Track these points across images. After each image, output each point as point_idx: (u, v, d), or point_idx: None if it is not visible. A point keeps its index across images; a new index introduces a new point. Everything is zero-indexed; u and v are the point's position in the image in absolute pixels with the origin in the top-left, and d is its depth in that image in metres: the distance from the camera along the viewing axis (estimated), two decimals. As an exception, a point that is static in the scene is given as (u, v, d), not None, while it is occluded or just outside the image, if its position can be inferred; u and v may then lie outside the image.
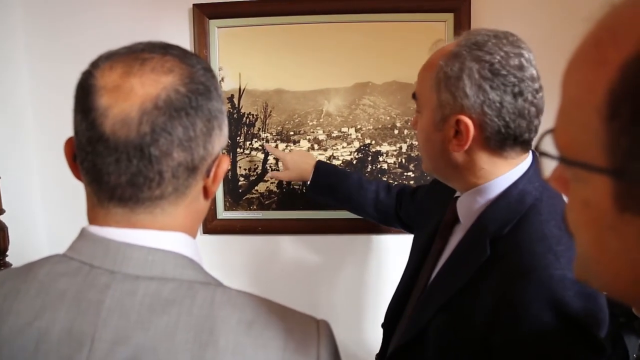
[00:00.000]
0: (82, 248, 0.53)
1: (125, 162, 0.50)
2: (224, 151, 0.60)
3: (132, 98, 0.49)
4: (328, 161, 1.42)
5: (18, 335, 0.49)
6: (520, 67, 0.73)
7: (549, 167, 0.42)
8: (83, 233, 0.55)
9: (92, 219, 0.55)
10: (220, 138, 0.57)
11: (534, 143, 0.73)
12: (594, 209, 0.37)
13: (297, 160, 1.29)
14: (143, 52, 0.52)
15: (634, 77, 0.32)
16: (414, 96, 0.86)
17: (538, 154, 0.41)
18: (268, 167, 1.46)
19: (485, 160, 0.78)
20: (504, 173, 0.78)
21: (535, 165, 0.80)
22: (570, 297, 0.64)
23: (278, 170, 1.45)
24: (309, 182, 1.26)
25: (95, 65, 0.52)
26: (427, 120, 0.81)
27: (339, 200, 1.27)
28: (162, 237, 0.54)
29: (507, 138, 0.75)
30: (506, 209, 0.76)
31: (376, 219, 1.28)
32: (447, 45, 0.79)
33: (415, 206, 1.18)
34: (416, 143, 1.41)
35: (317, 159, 1.30)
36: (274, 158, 1.45)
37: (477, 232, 0.78)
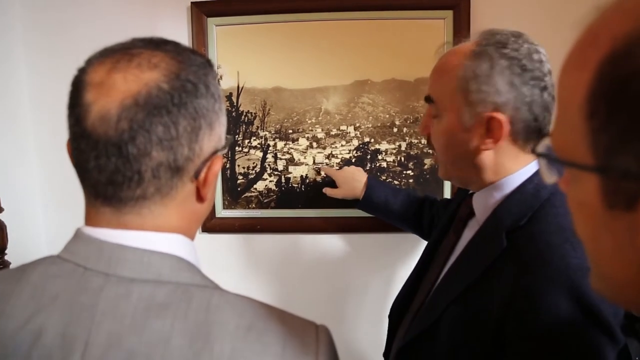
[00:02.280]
0: (76, 249, 0.53)
1: (104, 159, 0.49)
2: (220, 153, 0.58)
3: (113, 94, 0.48)
4: (378, 178, 1.43)
5: (10, 339, 0.48)
6: (541, 62, 0.77)
7: (547, 169, 0.43)
8: (77, 234, 0.54)
9: (86, 218, 0.55)
10: (211, 138, 0.55)
11: (532, 146, 0.74)
12: (587, 208, 0.38)
13: (348, 177, 1.35)
14: (134, 48, 0.52)
15: (608, 75, 0.33)
16: (428, 99, 0.85)
17: (537, 156, 0.43)
18: (267, 166, 1.45)
19: (509, 155, 0.79)
20: (521, 168, 0.80)
21: None
22: (587, 285, 0.65)
23: (277, 169, 1.45)
24: (360, 199, 1.32)
25: (88, 61, 0.52)
26: (451, 122, 0.81)
27: (388, 216, 1.33)
28: (158, 239, 0.53)
29: (533, 131, 0.77)
30: (521, 203, 0.78)
31: (421, 236, 1.33)
32: (463, 46, 0.80)
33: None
34: (415, 141, 1.41)
35: (368, 176, 1.35)
36: (272, 156, 1.44)
37: (493, 225, 0.79)
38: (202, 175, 0.55)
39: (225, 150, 0.59)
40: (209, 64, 0.56)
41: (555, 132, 0.40)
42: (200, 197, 0.56)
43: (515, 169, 0.80)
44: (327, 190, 1.39)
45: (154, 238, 0.53)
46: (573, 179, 0.39)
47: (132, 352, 0.47)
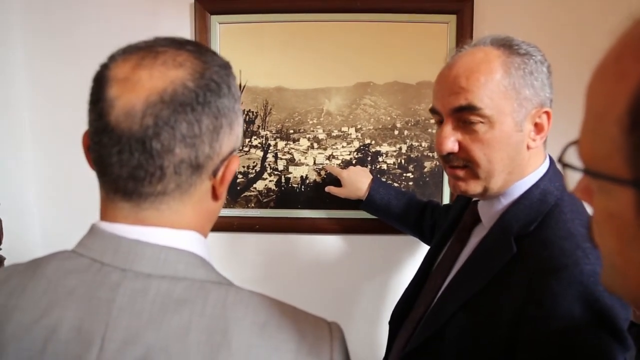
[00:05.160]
0: (92, 244, 0.52)
1: (127, 154, 0.49)
2: (236, 153, 0.59)
3: (138, 90, 0.49)
4: (382, 179, 1.42)
5: (25, 334, 0.48)
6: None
7: (572, 178, 0.42)
8: (93, 229, 0.54)
9: (102, 213, 0.55)
10: (230, 137, 0.56)
11: (558, 155, 0.77)
12: (618, 220, 0.37)
13: (354, 177, 1.34)
14: (158, 46, 0.52)
15: None
16: (469, 109, 0.77)
17: (562, 166, 0.42)
18: (267, 165, 1.45)
19: (536, 153, 0.82)
20: (532, 172, 0.81)
21: (553, 167, 0.83)
22: (601, 291, 0.66)
23: (277, 169, 1.44)
24: (363, 200, 1.32)
25: (111, 57, 0.52)
26: (507, 125, 0.77)
27: (390, 219, 1.33)
28: (174, 235, 0.53)
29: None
30: (529, 208, 0.78)
31: (422, 240, 1.34)
32: (486, 49, 0.79)
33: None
34: (416, 144, 1.41)
35: (373, 177, 1.34)
36: (272, 156, 1.44)
37: (500, 232, 0.80)
38: (220, 173, 0.55)
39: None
40: (229, 65, 0.57)
41: (584, 141, 0.39)
42: (215, 196, 0.57)
43: (529, 171, 0.81)
44: (331, 189, 1.39)
45: (171, 234, 0.53)
46: (601, 190, 0.38)
47: (150, 348, 0.47)
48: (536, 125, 0.79)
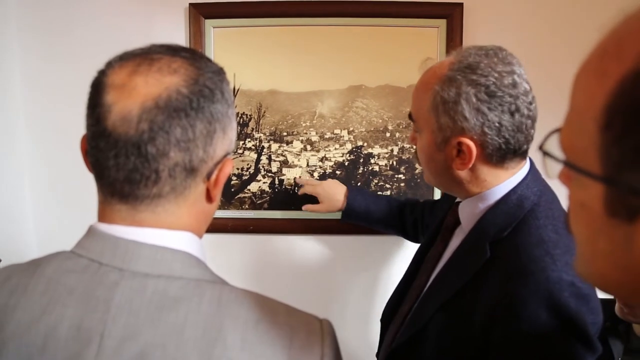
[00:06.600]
0: (91, 245, 0.54)
1: (123, 158, 0.51)
2: (230, 156, 0.60)
3: (134, 96, 0.50)
4: (358, 186, 1.45)
5: (25, 332, 0.49)
6: (514, 85, 0.75)
7: (551, 166, 0.43)
8: (91, 230, 0.55)
9: (100, 215, 0.56)
10: (224, 142, 0.57)
11: (539, 142, 0.77)
12: (588, 210, 0.39)
13: (329, 191, 1.36)
14: (154, 53, 0.54)
15: (629, 92, 0.33)
16: (410, 117, 0.88)
17: (542, 154, 0.43)
18: (261, 167, 1.47)
19: (487, 173, 0.81)
20: (504, 181, 0.81)
21: (533, 172, 0.84)
22: (566, 297, 0.68)
23: (271, 171, 1.46)
24: (343, 210, 1.34)
25: (108, 64, 0.54)
26: (428, 141, 0.83)
27: (372, 223, 1.36)
28: (170, 236, 0.55)
29: (507, 152, 0.78)
30: (505, 214, 0.80)
31: (407, 238, 1.37)
32: (439, 66, 0.81)
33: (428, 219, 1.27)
34: (407, 146, 1.44)
35: (347, 188, 1.37)
36: (266, 158, 1.46)
37: (477, 235, 0.82)
38: (214, 176, 0.57)
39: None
40: (222, 71, 0.59)
41: (565, 132, 0.40)
42: (210, 198, 0.58)
43: (498, 182, 0.81)
44: (309, 207, 1.39)
45: (167, 235, 0.55)
46: (576, 180, 0.40)
47: (147, 344, 0.49)
48: (459, 151, 0.79)
